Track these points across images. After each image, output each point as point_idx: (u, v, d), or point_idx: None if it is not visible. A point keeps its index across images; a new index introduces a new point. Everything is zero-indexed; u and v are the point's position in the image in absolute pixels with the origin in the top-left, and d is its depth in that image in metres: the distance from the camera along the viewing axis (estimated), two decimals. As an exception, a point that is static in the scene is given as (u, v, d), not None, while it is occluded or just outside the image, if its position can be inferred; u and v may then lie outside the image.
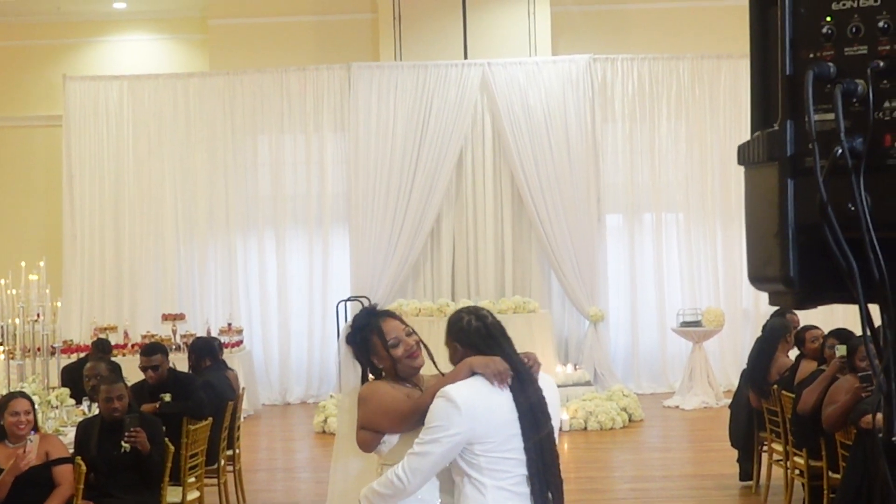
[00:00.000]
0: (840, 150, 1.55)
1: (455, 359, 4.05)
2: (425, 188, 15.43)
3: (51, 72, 16.89)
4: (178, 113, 16.07)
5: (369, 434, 4.06)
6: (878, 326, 1.65)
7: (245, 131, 16.07)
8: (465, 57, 15.71)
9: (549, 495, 3.91)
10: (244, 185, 16.08)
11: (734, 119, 15.76)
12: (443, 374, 4.12)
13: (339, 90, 15.85)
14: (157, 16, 17.29)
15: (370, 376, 4.26)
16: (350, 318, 4.33)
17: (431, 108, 15.47)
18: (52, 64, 17.06)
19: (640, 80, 15.84)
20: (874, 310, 1.63)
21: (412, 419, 3.97)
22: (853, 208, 1.55)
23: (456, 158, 15.56)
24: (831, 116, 1.58)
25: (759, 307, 15.44)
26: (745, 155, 1.75)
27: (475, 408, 3.82)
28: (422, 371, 4.21)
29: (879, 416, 1.66)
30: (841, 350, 7.49)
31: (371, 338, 4.14)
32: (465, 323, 4.04)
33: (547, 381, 4.08)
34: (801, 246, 1.62)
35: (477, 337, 4.00)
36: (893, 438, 1.61)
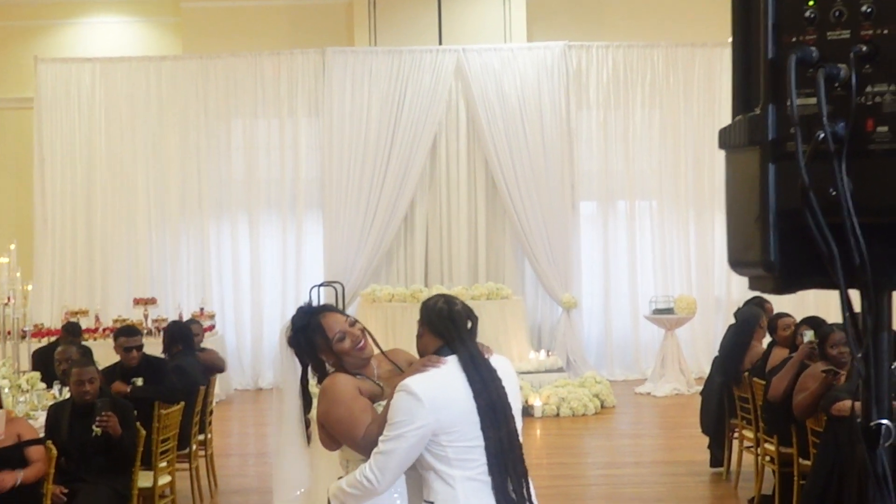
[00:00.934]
0: (822, 135, 1.54)
1: (418, 335, 4.00)
2: (399, 174, 15.41)
3: (22, 53, 16.72)
4: (150, 96, 15.95)
5: (327, 434, 3.95)
6: (857, 312, 1.65)
7: (218, 115, 15.98)
8: (440, 43, 15.68)
9: (510, 485, 3.80)
10: (217, 170, 16.00)
11: (708, 107, 15.81)
12: (384, 354, 4.13)
13: (314, 75, 15.79)
14: (129, -2, 17.15)
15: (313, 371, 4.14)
16: (289, 321, 4.17)
17: (406, 94, 15.44)
18: (23, 45, 16.88)
19: (614, 67, 15.86)
20: (854, 295, 1.63)
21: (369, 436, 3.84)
22: (834, 193, 1.55)
23: (430, 144, 15.54)
24: (813, 101, 1.57)
25: (730, 295, 15.53)
26: (727, 139, 1.74)
27: (437, 398, 3.76)
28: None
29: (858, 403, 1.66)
30: (808, 335, 7.54)
31: (315, 338, 4.02)
32: (433, 303, 4.00)
33: (502, 364, 4.01)
34: (782, 231, 1.62)
35: (438, 319, 3.93)
36: (871, 423, 1.61)
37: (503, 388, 3.91)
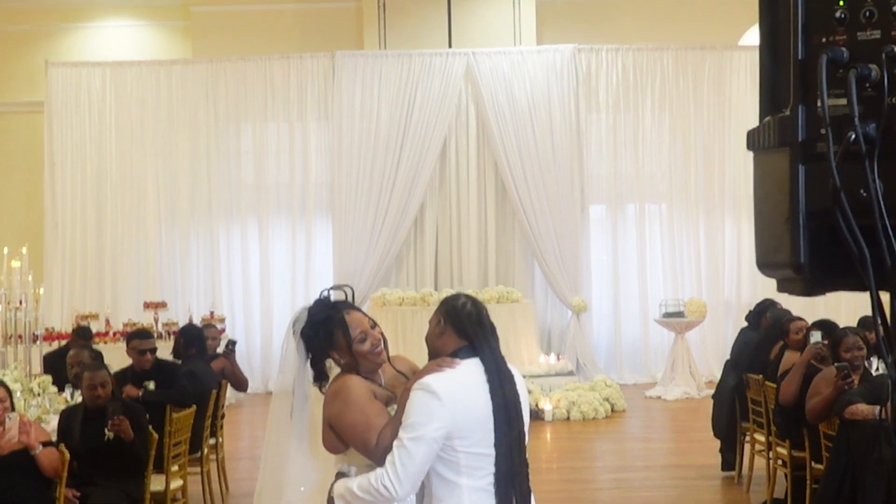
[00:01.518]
0: (854, 136, 1.53)
1: (434, 334, 3.85)
2: (409, 177, 15.41)
3: (33, 57, 16.75)
4: (160, 100, 15.98)
5: (335, 436, 3.78)
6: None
7: (228, 119, 16.00)
8: (450, 46, 15.68)
9: (514, 500, 3.69)
10: (227, 173, 16.02)
11: (717, 110, 15.79)
12: (395, 368, 3.97)
13: (323, 78, 15.80)
14: (139, 2, 17.17)
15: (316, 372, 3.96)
16: (302, 310, 3.96)
17: (415, 98, 15.44)
18: (34, 50, 16.92)
19: (624, 70, 15.84)
20: (881, 297, 1.62)
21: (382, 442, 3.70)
22: (865, 194, 1.54)
23: (440, 148, 15.54)
24: (844, 102, 1.57)
25: (740, 298, 15.51)
26: (755, 140, 1.73)
27: (457, 398, 3.63)
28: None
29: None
30: (816, 336, 7.51)
31: (335, 332, 3.82)
32: (461, 304, 3.85)
33: (514, 374, 3.90)
34: (812, 232, 1.61)
35: (467, 321, 3.80)
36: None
37: (518, 393, 3.83)
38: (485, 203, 15.76)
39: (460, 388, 3.69)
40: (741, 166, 15.45)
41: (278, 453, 4.02)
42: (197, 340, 9.26)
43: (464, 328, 3.81)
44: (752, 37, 16.28)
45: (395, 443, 3.60)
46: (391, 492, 3.57)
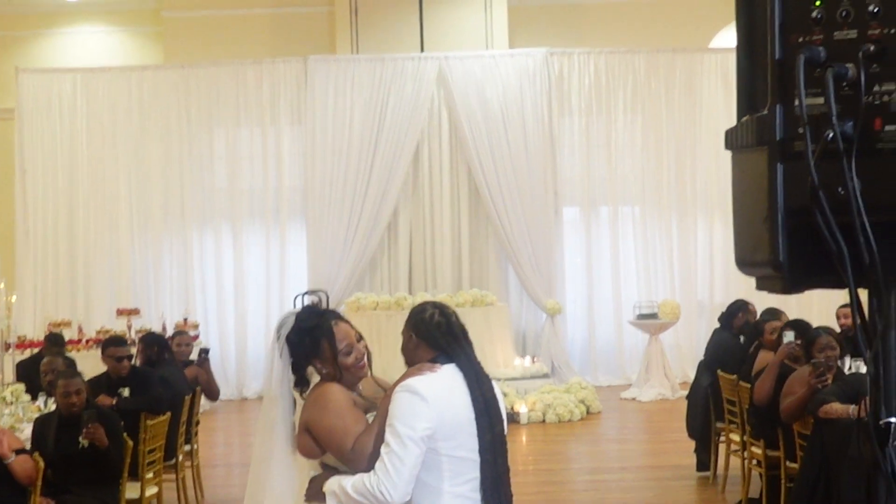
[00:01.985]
0: (831, 134, 1.55)
1: (408, 348, 3.88)
2: (382, 182, 15.40)
3: (3, 64, 16.64)
4: (132, 106, 15.89)
5: (311, 440, 3.80)
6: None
7: (200, 124, 15.93)
8: (422, 50, 15.68)
9: None
10: (200, 179, 15.95)
11: (689, 112, 15.86)
12: (375, 379, 3.99)
13: (296, 83, 15.77)
14: (110, 8, 17.09)
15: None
16: (290, 314, 3.94)
17: (388, 102, 15.43)
18: (4, 56, 16.81)
19: (596, 73, 15.89)
20: (859, 294, 1.63)
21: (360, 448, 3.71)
22: (843, 192, 1.55)
23: (413, 152, 15.53)
24: (821, 101, 1.58)
25: (713, 299, 15.58)
26: (733, 140, 1.75)
27: (440, 399, 3.65)
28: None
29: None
30: (789, 336, 7.56)
31: (321, 341, 3.82)
32: (428, 316, 3.87)
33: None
34: (790, 230, 1.62)
35: (437, 332, 3.82)
36: (881, 422, 1.62)
37: (496, 396, 3.87)
38: (458, 207, 15.76)
39: (443, 389, 3.71)
40: (713, 168, 15.52)
41: (265, 458, 4.01)
42: (164, 345, 9.26)
43: (435, 340, 3.84)
44: (723, 39, 16.38)
45: (384, 448, 3.59)
46: (387, 497, 3.55)
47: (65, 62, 16.57)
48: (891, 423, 1.62)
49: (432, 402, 3.62)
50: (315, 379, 3.96)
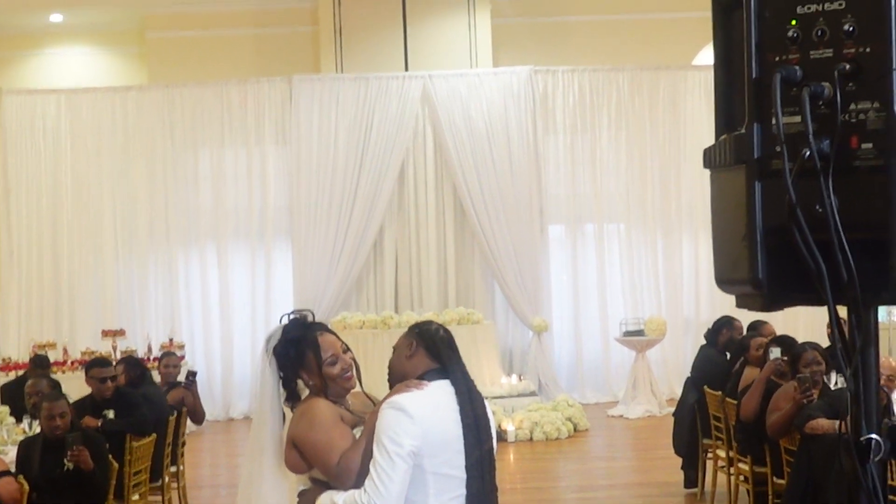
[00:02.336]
0: (808, 153, 1.55)
1: (402, 356, 3.88)
2: (368, 200, 15.39)
3: (-14, 85, 16.61)
4: (116, 126, 15.87)
5: (298, 455, 3.80)
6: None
7: (185, 144, 15.91)
8: (406, 69, 15.70)
9: None
10: (185, 199, 15.91)
11: (673, 129, 15.91)
12: (366, 394, 4.02)
13: (281, 103, 15.76)
14: (94, 28, 17.08)
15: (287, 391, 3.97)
16: (278, 328, 3.96)
17: (373, 121, 15.43)
18: (-13, 77, 16.79)
19: (580, 91, 15.93)
20: (839, 311, 1.64)
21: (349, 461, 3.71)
22: (821, 210, 1.56)
23: (398, 170, 15.53)
24: (798, 119, 1.59)
25: (699, 315, 15.60)
26: (712, 158, 1.75)
27: (426, 416, 3.65)
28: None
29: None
30: (775, 353, 7.57)
31: (306, 353, 3.84)
32: (434, 329, 3.93)
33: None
34: (769, 248, 1.63)
35: (441, 344, 3.87)
36: (861, 438, 1.62)
37: (487, 413, 3.90)
38: (444, 225, 15.76)
39: (430, 407, 3.72)
40: (697, 184, 15.56)
41: (255, 473, 4.01)
42: (144, 367, 9.27)
43: (437, 350, 3.87)
44: (706, 56, 16.44)
45: (372, 465, 3.59)
46: None
47: (49, 83, 16.54)
48: (871, 439, 1.62)
49: (418, 419, 3.63)
50: (306, 393, 3.97)
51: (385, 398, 3.76)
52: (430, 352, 3.87)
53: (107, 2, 16.37)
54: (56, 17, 16.83)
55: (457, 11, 15.80)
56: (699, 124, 15.71)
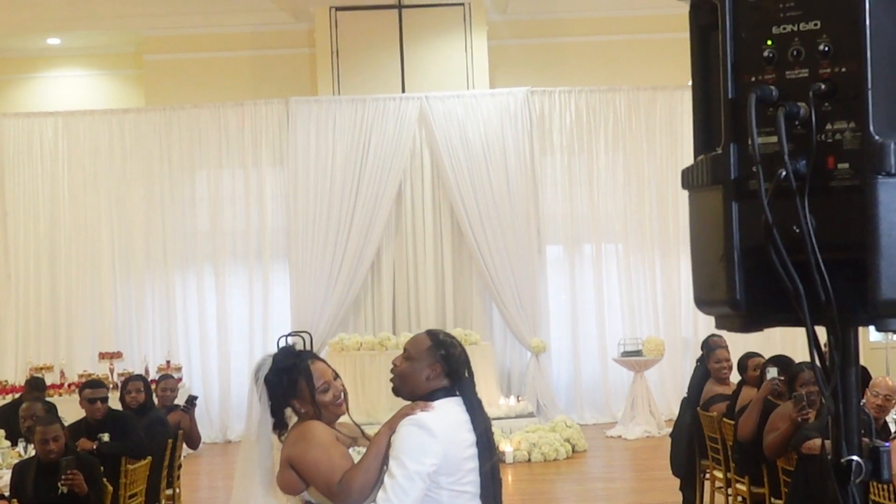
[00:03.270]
0: (784, 173, 1.55)
1: (429, 376, 3.85)
2: (365, 222, 15.39)
3: (-16, 109, 16.65)
4: (113, 149, 15.88)
5: (295, 475, 3.81)
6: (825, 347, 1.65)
7: (182, 167, 15.92)
8: (403, 90, 15.73)
9: None
10: (182, 221, 15.91)
11: (670, 149, 15.92)
12: (353, 422, 4.05)
13: (278, 125, 15.79)
14: (91, 52, 17.13)
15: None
16: (267, 357, 4.03)
17: (370, 142, 15.45)
18: (-16, 101, 16.83)
19: (577, 112, 15.95)
20: (819, 332, 1.63)
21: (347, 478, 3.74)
22: (798, 230, 1.55)
23: (395, 192, 15.54)
24: (774, 139, 1.58)
25: (697, 335, 15.53)
26: (689, 179, 1.75)
27: (448, 434, 3.69)
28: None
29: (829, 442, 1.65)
30: (772, 372, 7.57)
31: (299, 381, 3.88)
32: (458, 354, 3.92)
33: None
34: (747, 269, 1.62)
35: (461, 366, 3.89)
36: (842, 460, 1.61)
37: (491, 425, 3.96)
38: (441, 246, 15.76)
39: (448, 425, 3.75)
40: (695, 205, 15.57)
41: (245, 500, 4.01)
42: (149, 391, 9.22)
43: (456, 366, 3.90)
44: (703, 77, 16.46)
45: (388, 479, 3.60)
46: None
47: (46, 106, 16.58)
48: (852, 460, 1.61)
49: (440, 438, 3.65)
50: (294, 421, 3.98)
51: (396, 416, 3.77)
52: (447, 367, 3.89)
53: (104, 25, 16.40)
54: (53, 41, 16.89)
55: (453, 33, 15.84)
56: (696, 144, 15.71)
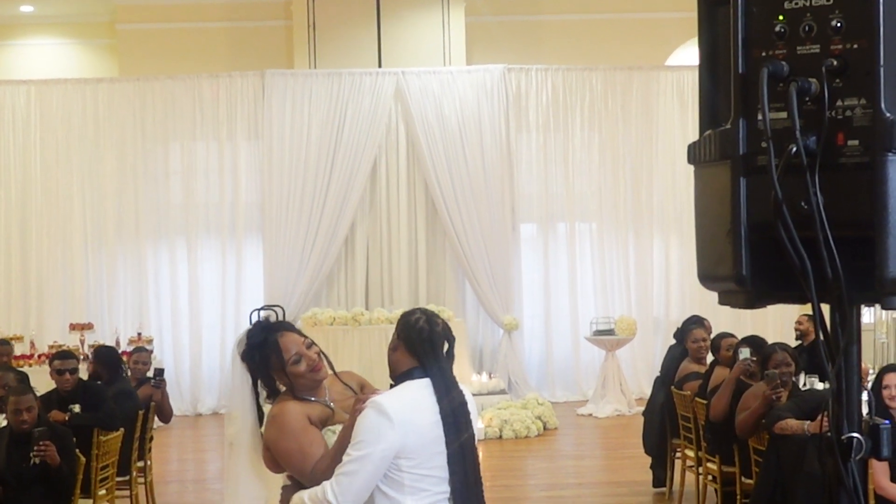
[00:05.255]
0: (795, 149, 1.54)
1: (391, 347, 3.91)
2: (339, 197, 15.33)
3: (-46, 75, 16.45)
4: (86, 119, 15.73)
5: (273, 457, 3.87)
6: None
7: (156, 138, 15.80)
8: (380, 65, 15.66)
9: None
10: (155, 193, 15.80)
11: (646, 129, 15.94)
12: (339, 379, 4.05)
13: (253, 97, 15.68)
14: (64, 20, 16.94)
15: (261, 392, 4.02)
16: (244, 333, 4.02)
17: (346, 117, 15.38)
18: (-44, 68, 16.62)
19: (553, 90, 15.93)
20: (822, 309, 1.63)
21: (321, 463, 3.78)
22: (806, 206, 1.55)
23: (370, 167, 15.49)
24: (783, 115, 1.58)
25: (669, 315, 15.64)
26: (696, 154, 1.74)
27: (406, 419, 3.68)
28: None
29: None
30: (745, 353, 7.61)
31: (270, 356, 3.88)
32: (414, 320, 3.91)
33: (466, 394, 4.00)
34: (753, 244, 1.61)
35: (418, 338, 3.86)
36: (843, 437, 1.62)
37: (465, 401, 3.93)
38: (415, 222, 15.73)
39: (411, 408, 3.75)
40: (669, 184, 15.65)
41: (234, 474, 4.05)
42: (118, 361, 9.16)
43: (414, 346, 3.87)
44: (679, 57, 16.52)
45: (345, 457, 3.65)
46: (332, 502, 3.62)
47: (18, 74, 16.39)
48: (853, 437, 1.62)
49: (398, 423, 3.66)
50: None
51: (363, 396, 3.80)
52: (409, 348, 3.88)
53: (78, -7, 16.24)
54: (27, 8, 16.69)
55: (431, 8, 15.77)
56: (671, 125, 15.78)
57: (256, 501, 4.02)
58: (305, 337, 3.99)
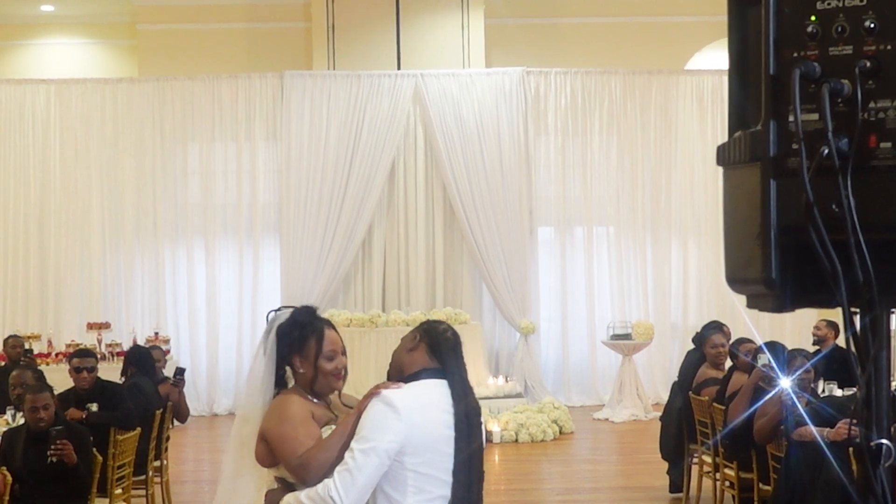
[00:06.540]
0: (827, 151, 1.53)
1: (408, 346, 3.90)
2: (357, 199, 15.34)
3: (-25, 75, 16.53)
4: (106, 119, 15.79)
5: (266, 448, 3.78)
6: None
7: (175, 138, 15.84)
8: (399, 67, 15.66)
9: None
10: (173, 193, 15.84)
11: (664, 134, 15.90)
12: (343, 402, 3.98)
13: (272, 99, 15.71)
14: (85, 20, 17.01)
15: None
16: (286, 309, 3.97)
17: (364, 119, 15.39)
18: (-24, 67, 16.70)
19: (572, 93, 15.91)
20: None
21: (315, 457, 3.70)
22: (838, 210, 1.53)
23: (388, 169, 15.49)
24: (815, 117, 1.56)
25: (687, 320, 15.60)
26: (725, 155, 1.72)
27: (414, 413, 3.64)
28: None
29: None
30: (762, 359, 7.57)
31: (310, 339, 3.81)
32: (442, 328, 3.94)
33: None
34: (783, 248, 1.60)
35: (445, 345, 3.88)
36: (872, 443, 1.60)
37: (479, 407, 3.93)
38: (433, 225, 15.73)
39: (419, 404, 3.72)
40: (687, 189, 15.61)
41: (236, 471, 4.00)
42: (140, 360, 9.18)
43: (439, 349, 3.87)
44: (699, 62, 16.48)
45: (347, 453, 3.58)
46: (335, 500, 3.54)
47: (39, 73, 16.46)
48: (882, 444, 1.60)
49: (405, 416, 3.62)
50: (292, 384, 3.94)
51: (369, 393, 3.74)
52: (432, 350, 3.88)
53: (98, -7, 16.31)
54: (47, 8, 16.77)
55: (450, 11, 15.77)
56: (690, 130, 15.74)
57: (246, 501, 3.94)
58: (343, 345, 3.96)
